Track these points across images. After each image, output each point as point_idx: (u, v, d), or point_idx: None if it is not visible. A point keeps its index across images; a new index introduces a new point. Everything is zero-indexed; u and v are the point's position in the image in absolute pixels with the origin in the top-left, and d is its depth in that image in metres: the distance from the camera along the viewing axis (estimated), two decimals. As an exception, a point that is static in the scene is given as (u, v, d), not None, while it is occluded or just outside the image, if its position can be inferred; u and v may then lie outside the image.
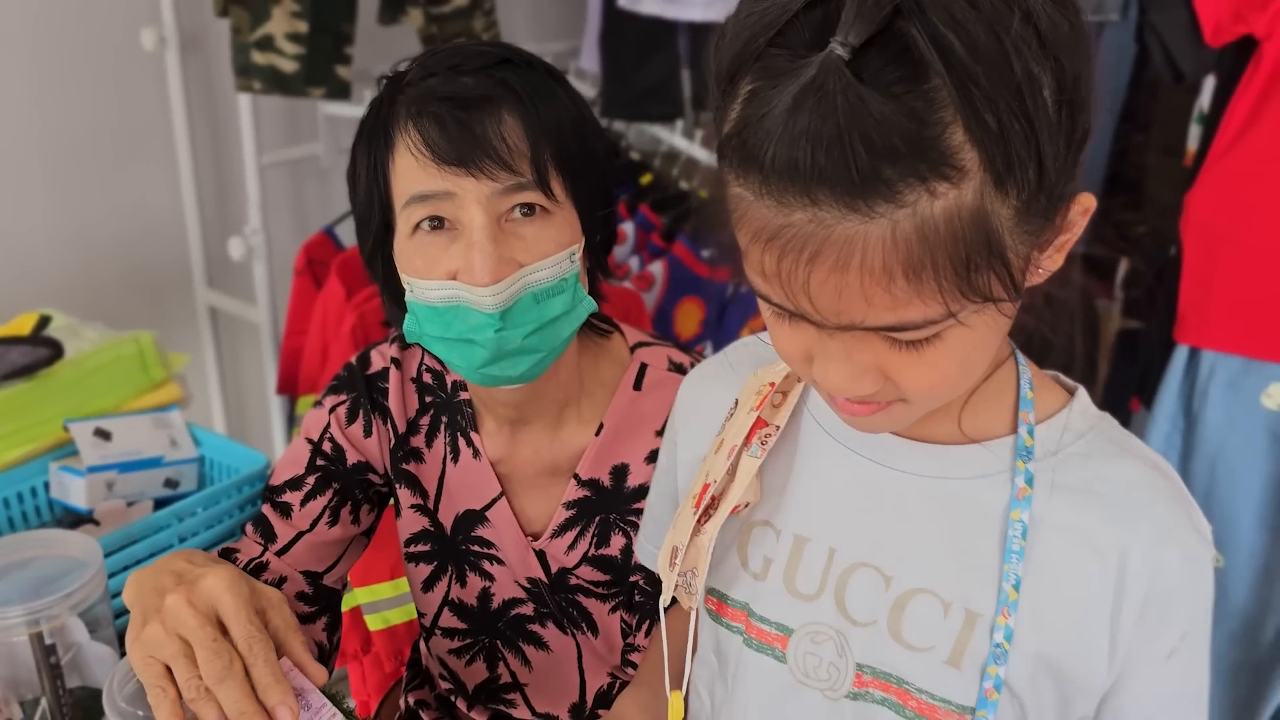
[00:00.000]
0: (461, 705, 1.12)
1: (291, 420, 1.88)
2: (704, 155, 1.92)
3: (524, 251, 0.84)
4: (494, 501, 1.01)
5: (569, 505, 0.99)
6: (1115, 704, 0.68)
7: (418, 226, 0.85)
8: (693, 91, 2.03)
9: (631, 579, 0.98)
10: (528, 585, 1.02)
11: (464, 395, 1.01)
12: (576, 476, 0.98)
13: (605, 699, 1.04)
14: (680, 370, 0.98)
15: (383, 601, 1.43)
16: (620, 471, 0.98)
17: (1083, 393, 0.70)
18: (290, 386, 1.83)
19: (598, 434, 0.98)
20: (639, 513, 0.96)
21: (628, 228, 1.89)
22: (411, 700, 1.17)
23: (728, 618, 0.75)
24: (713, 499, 0.71)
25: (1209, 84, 1.42)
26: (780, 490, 0.73)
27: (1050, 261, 0.59)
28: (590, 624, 1.01)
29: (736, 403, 0.75)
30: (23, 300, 1.69)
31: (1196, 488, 1.41)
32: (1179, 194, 1.41)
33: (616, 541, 0.99)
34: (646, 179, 1.99)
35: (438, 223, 0.84)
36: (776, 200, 0.52)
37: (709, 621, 0.76)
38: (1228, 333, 1.36)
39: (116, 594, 1.08)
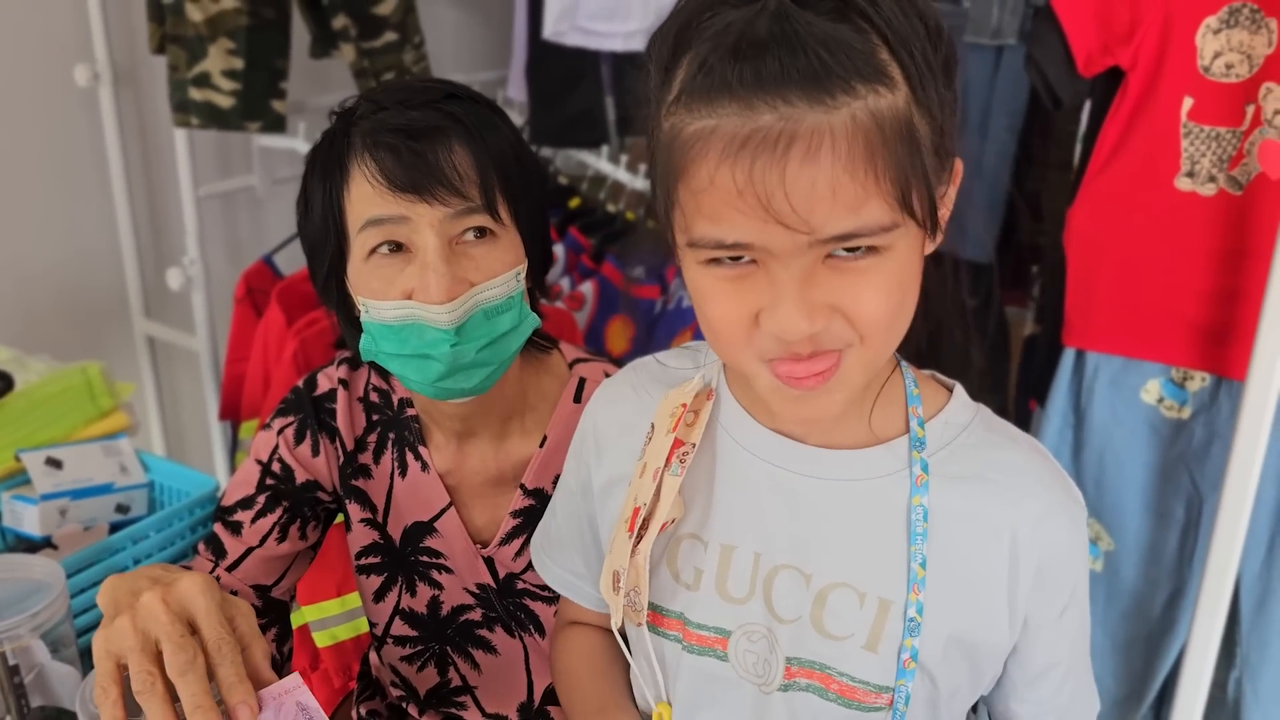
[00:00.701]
0: (413, 711, 1.14)
1: (234, 446, 1.88)
2: (629, 178, 1.98)
3: (474, 271, 0.89)
4: (442, 512, 1.04)
5: (515, 514, 1.03)
6: (1019, 658, 0.76)
7: (374, 250, 0.89)
8: (616, 117, 2.08)
9: None
10: (476, 591, 1.06)
11: (410, 411, 1.05)
12: (523, 486, 1.03)
13: (553, 697, 1.08)
14: None
15: (330, 619, 1.44)
16: None
17: (959, 388, 0.77)
18: (233, 413, 1.84)
19: (541, 445, 1.03)
20: None
21: (558, 250, 1.93)
22: (364, 711, 1.19)
23: (664, 627, 0.78)
24: (644, 521, 0.75)
25: (1088, 106, 1.53)
26: (704, 504, 0.77)
27: (943, 209, 0.66)
28: (537, 626, 1.05)
29: (653, 426, 0.78)
30: (-42, 335, 1.69)
31: (1087, 478, 1.50)
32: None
33: None
34: (575, 203, 2.04)
35: (394, 246, 0.89)
36: (746, 109, 0.58)
37: (648, 633, 0.79)
38: (1109, 335, 1.44)
39: (78, 615, 1.11)
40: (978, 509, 0.72)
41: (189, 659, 0.71)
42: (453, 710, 1.12)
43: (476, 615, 1.07)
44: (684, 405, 0.76)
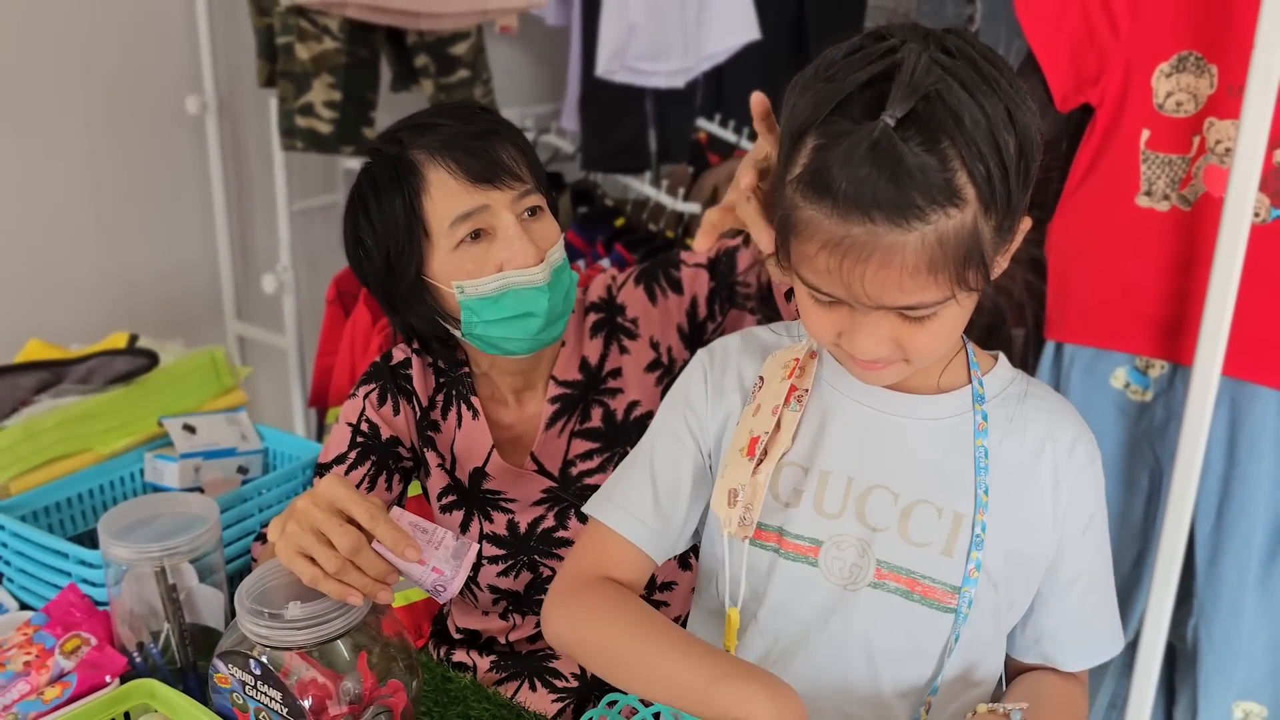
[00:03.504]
0: (474, 657, 1.22)
1: (321, 430, 2.07)
2: (669, 201, 2.18)
3: (541, 239, 1.09)
4: (489, 456, 1.17)
5: (553, 400, 1.17)
6: (1050, 572, 0.91)
7: (462, 241, 1.06)
8: (658, 147, 2.28)
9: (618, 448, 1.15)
10: (543, 497, 1.17)
11: (465, 370, 1.19)
12: (554, 378, 1.17)
13: None
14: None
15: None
16: (585, 363, 1.18)
17: (1002, 355, 0.94)
18: (321, 400, 2.03)
19: (563, 345, 1.18)
20: (610, 376, 1.16)
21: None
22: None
23: (760, 538, 0.89)
24: (764, 449, 0.88)
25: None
26: (807, 438, 0.91)
27: (1003, 261, 0.81)
28: None
29: (762, 379, 0.92)
30: (73, 329, 1.89)
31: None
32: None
33: (595, 413, 1.17)
34: (620, 222, 2.24)
35: (474, 235, 1.06)
36: (843, 218, 0.72)
37: (742, 545, 0.89)
38: (1082, 329, 1.60)
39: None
40: (1025, 442, 0.88)
41: (355, 540, 0.86)
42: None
43: (550, 521, 1.18)
44: (796, 360, 0.91)
